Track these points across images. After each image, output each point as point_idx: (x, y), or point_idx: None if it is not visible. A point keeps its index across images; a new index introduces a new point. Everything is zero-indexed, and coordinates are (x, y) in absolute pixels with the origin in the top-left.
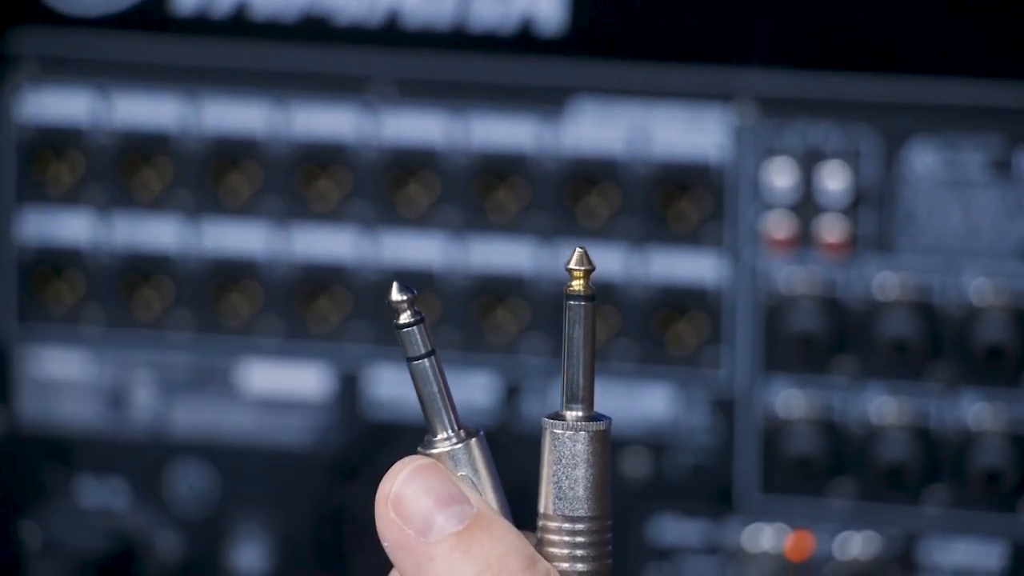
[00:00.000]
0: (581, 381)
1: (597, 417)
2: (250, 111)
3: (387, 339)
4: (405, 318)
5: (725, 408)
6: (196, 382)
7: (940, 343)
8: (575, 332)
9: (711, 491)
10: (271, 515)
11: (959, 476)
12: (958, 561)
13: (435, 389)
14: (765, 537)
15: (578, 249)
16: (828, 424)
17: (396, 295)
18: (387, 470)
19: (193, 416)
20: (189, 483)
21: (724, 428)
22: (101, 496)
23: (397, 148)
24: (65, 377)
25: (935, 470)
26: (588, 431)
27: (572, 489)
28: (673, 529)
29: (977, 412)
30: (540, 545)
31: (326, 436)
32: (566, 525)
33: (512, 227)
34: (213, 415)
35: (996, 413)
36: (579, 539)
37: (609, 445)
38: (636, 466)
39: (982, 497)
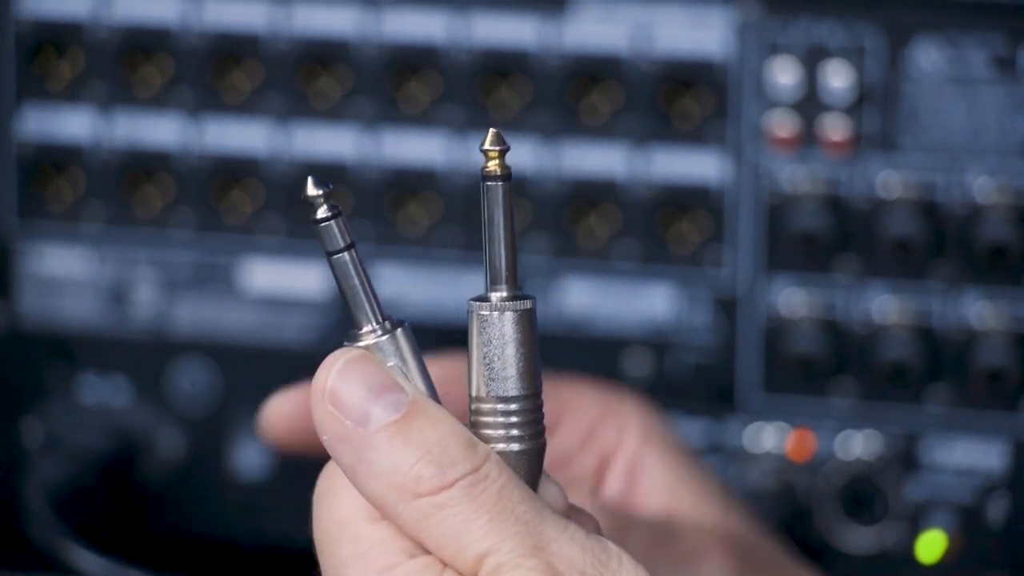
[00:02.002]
0: (504, 262)
1: (522, 296)
2: (251, 7)
3: (389, 238)
4: (322, 212)
5: (727, 307)
6: (197, 280)
7: (943, 242)
8: (494, 213)
9: (713, 390)
10: None
11: (961, 375)
12: (959, 460)
13: (356, 282)
14: (767, 436)
15: (491, 130)
16: (830, 323)
17: (311, 190)
18: None
19: (194, 314)
20: (191, 381)
21: (726, 327)
22: (102, 393)
23: (398, 45)
24: (66, 274)
25: (937, 369)
26: (515, 310)
27: (503, 369)
28: (675, 429)
29: (979, 311)
30: (474, 428)
31: (327, 335)
32: (500, 406)
33: (515, 125)
34: (214, 313)
35: (998, 312)
36: (513, 419)
37: (535, 323)
38: (638, 365)
39: (984, 396)
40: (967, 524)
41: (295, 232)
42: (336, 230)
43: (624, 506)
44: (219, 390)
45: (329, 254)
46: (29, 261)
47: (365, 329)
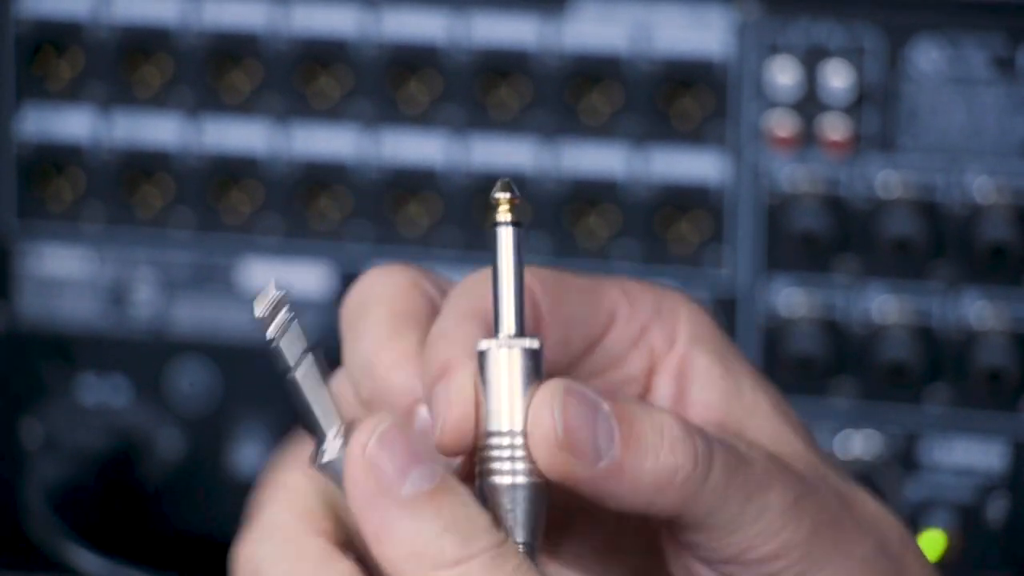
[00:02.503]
0: (514, 307)
1: (529, 336)
2: (250, 7)
3: (388, 238)
4: (273, 331)
5: (727, 307)
6: (197, 280)
7: (942, 242)
8: (500, 259)
9: None
10: (272, 414)
11: (960, 375)
12: (959, 460)
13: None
14: None
15: (501, 180)
16: (830, 323)
17: (259, 311)
18: None
19: (194, 314)
20: (191, 380)
21: (725, 327)
22: (102, 394)
23: (398, 45)
24: (66, 274)
25: (936, 369)
26: (523, 348)
27: (509, 405)
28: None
29: (979, 311)
30: (482, 463)
31: (326, 334)
32: (505, 440)
33: (514, 125)
34: (214, 313)
35: (998, 312)
36: (518, 453)
37: (542, 364)
38: None
39: (983, 396)
40: (967, 524)
41: (294, 232)
42: (292, 344)
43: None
44: (219, 390)
45: (288, 371)
46: (29, 261)
47: (333, 436)
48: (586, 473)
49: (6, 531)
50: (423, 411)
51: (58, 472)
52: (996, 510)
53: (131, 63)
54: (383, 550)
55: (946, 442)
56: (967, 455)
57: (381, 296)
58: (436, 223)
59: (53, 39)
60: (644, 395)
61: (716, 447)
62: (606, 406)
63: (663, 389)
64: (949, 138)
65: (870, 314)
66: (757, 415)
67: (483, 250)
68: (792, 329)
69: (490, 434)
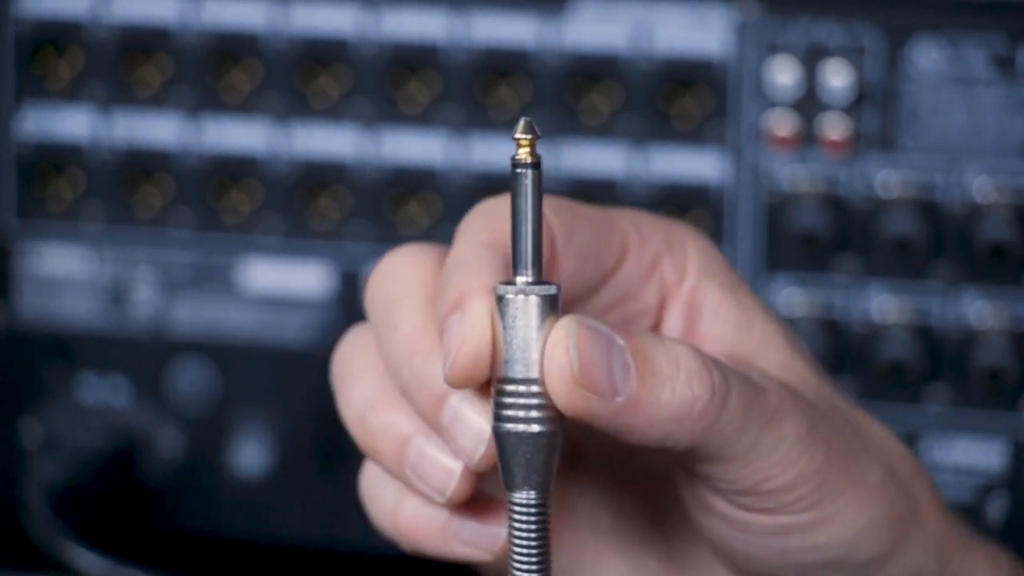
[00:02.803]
0: (531, 249)
1: (547, 282)
2: (250, 7)
3: (387, 238)
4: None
5: None
6: (196, 280)
7: (942, 241)
8: (523, 200)
9: None
10: (271, 413)
11: (960, 374)
12: (959, 459)
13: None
14: None
15: (523, 119)
16: (830, 322)
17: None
18: None
19: (194, 314)
20: (190, 380)
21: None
22: (102, 393)
23: (398, 45)
24: (65, 274)
25: (936, 368)
26: (540, 295)
27: (527, 352)
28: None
29: (978, 310)
30: (496, 408)
31: (326, 334)
32: (522, 387)
33: (514, 124)
34: (214, 313)
35: (997, 311)
36: (534, 400)
37: (559, 310)
38: None
39: (983, 395)
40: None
41: (294, 232)
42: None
43: None
44: (218, 390)
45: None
46: (29, 261)
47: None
48: (604, 409)
49: (6, 531)
50: (418, 440)
51: (58, 472)
52: (996, 510)
53: (131, 63)
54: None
55: (946, 442)
56: (967, 455)
57: (411, 282)
58: (436, 223)
59: (53, 39)
60: (656, 328)
61: (732, 377)
62: (620, 340)
63: (674, 322)
64: (949, 138)
65: (870, 314)
66: (767, 346)
67: None
68: (792, 329)
69: (507, 380)
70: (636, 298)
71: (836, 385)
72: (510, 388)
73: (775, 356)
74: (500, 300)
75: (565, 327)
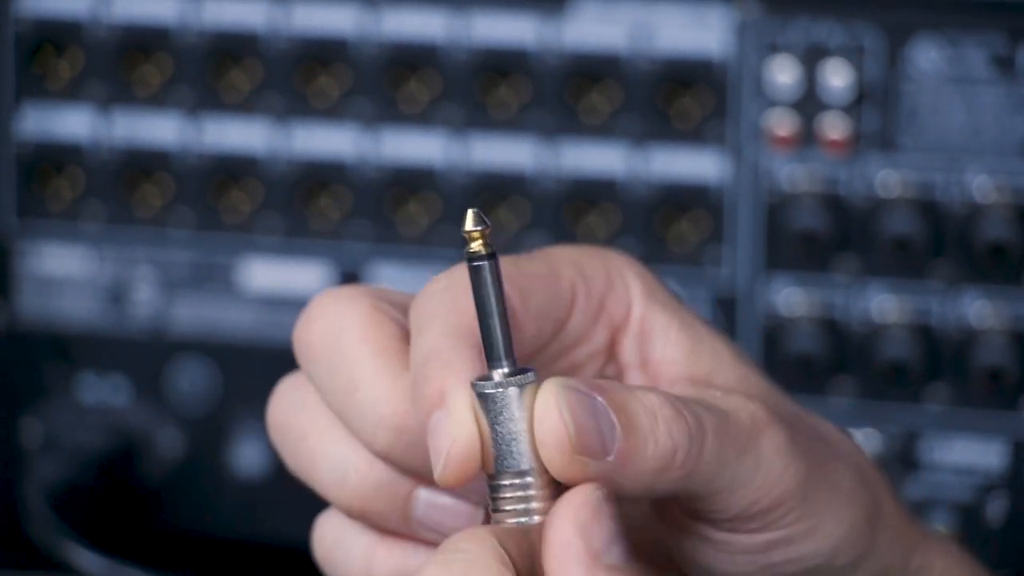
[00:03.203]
0: (501, 339)
1: (523, 370)
2: (250, 7)
3: (387, 237)
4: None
5: (726, 306)
6: (196, 279)
7: (942, 241)
8: (485, 293)
9: None
10: None
11: (960, 374)
12: (959, 459)
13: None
14: None
15: (471, 211)
16: (829, 322)
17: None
18: None
19: (193, 313)
20: (190, 380)
21: (725, 326)
22: (102, 393)
23: (398, 44)
24: (65, 273)
25: (936, 368)
26: (519, 385)
27: (515, 444)
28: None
29: (978, 310)
30: (493, 504)
31: None
32: (516, 480)
33: (513, 124)
34: (214, 313)
35: (997, 311)
36: (530, 492)
37: (538, 386)
38: None
39: (983, 395)
40: (966, 523)
41: (294, 231)
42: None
43: (646, 381)
44: (218, 389)
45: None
46: (29, 261)
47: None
48: (598, 471)
49: (6, 531)
50: (423, 494)
51: (58, 472)
52: (996, 509)
53: (131, 62)
54: None
55: (946, 441)
56: (967, 454)
57: (350, 330)
58: (436, 222)
59: (53, 39)
60: (608, 363)
61: (703, 414)
62: (600, 397)
63: (627, 354)
64: (949, 138)
65: (870, 313)
66: (720, 362)
67: None
68: (792, 328)
69: (500, 474)
70: (586, 341)
71: (787, 394)
72: (505, 483)
73: (730, 372)
74: (482, 397)
75: (553, 394)
